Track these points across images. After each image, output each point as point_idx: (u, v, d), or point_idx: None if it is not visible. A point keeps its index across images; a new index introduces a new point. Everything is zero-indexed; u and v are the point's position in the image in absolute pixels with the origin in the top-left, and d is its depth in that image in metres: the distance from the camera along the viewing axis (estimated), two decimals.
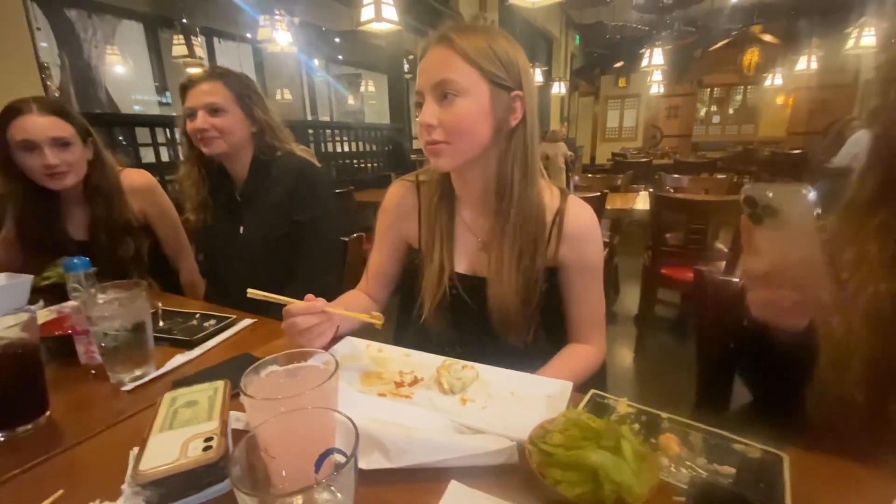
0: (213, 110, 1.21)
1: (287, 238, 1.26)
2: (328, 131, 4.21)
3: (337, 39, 8.25)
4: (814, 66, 6.73)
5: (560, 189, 0.90)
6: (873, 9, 5.19)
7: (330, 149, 4.16)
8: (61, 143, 1.18)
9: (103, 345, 0.72)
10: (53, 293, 1.07)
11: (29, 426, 0.62)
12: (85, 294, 0.78)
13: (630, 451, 0.44)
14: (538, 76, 6.16)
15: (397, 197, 0.98)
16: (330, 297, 0.82)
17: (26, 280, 1.06)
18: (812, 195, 0.43)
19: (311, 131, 4.00)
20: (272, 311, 0.98)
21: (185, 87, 1.23)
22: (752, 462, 0.51)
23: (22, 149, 1.15)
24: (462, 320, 0.91)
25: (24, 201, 1.23)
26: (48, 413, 0.65)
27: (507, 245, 0.83)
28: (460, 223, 0.92)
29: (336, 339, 0.81)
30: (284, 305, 0.76)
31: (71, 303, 0.90)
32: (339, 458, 0.37)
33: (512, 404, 0.64)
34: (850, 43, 5.17)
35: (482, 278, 0.88)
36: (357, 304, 0.95)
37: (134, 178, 1.38)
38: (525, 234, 0.83)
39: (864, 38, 5.01)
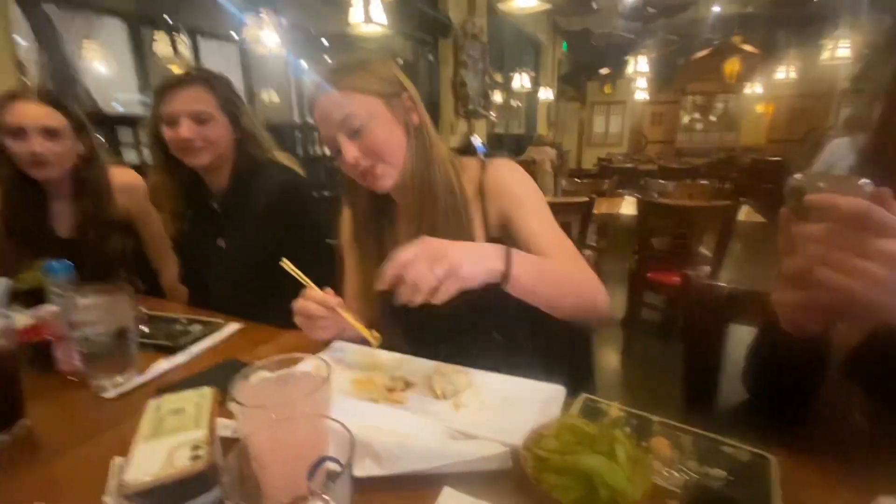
0: (201, 119, 1.11)
1: (273, 254, 1.21)
2: (316, 133, 4.18)
3: (325, 42, 8.22)
4: (792, 75, 6.92)
5: (478, 160, 0.93)
6: (847, 21, 5.37)
7: (318, 152, 4.13)
8: (50, 133, 1.17)
9: (84, 350, 0.70)
10: (29, 298, 1.04)
11: (4, 436, 0.60)
12: (65, 298, 0.75)
13: (624, 456, 0.44)
14: (526, 81, 6.20)
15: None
16: None
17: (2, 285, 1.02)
18: (870, 188, 0.40)
19: (298, 134, 3.97)
20: (259, 317, 0.97)
21: (164, 89, 1.12)
22: (742, 464, 0.51)
23: (12, 134, 1.14)
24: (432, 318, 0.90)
25: (11, 188, 1.22)
26: (25, 421, 0.62)
27: (440, 224, 0.85)
28: (402, 228, 0.94)
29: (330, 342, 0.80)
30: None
31: (49, 307, 0.87)
32: (333, 466, 0.37)
33: (505, 409, 0.64)
34: (826, 54, 5.34)
35: None
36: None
37: (120, 176, 1.34)
38: (448, 209, 0.86)
39: (839, 50, 5.19)
